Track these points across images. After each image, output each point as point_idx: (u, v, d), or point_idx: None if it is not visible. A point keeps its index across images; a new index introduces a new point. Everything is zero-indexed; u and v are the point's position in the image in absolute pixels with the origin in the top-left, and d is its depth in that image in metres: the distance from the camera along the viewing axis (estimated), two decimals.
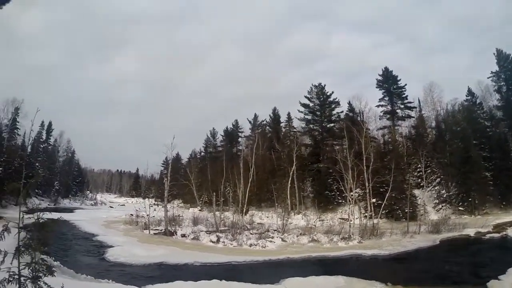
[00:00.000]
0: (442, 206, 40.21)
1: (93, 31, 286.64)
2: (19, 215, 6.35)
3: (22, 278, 5.90)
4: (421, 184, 44.96)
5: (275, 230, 31.25)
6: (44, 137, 73.56)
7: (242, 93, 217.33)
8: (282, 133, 64.22)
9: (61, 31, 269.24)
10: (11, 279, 5.79)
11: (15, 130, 59.41)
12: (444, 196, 41.39)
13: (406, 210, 33.32)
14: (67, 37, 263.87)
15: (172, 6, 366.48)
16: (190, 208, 54.96)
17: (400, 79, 58.32)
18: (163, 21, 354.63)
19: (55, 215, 8.77)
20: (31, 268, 6.04)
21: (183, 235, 28.96)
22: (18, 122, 58.74)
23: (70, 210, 49.58)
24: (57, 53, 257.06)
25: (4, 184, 38.52)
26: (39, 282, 6.00)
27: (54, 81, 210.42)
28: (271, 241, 26.33)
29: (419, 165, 45.35)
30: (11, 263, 5.86)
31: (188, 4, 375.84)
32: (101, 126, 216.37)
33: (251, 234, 29.13)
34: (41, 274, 6.10)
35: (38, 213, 6.55)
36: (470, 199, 38.05)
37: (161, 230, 31.17)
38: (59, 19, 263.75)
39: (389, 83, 58.28)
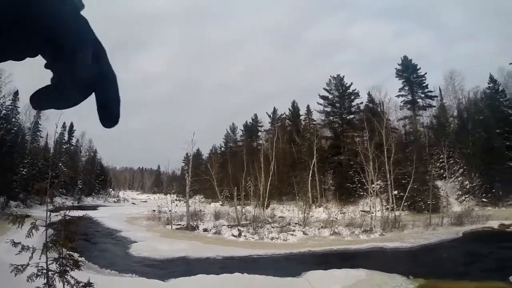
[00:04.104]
0: (465, 197, 39.29)
1: (116, 32, 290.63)
2: (46, 213, 6.60)
3: (50, 273, 6.13)
4: (444, 175, 44.14)
5: (296, 223, 31.35)
6: (66, 138, 75.03)
7: (266, 88, 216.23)
8: (302, 126, 63.47)
9: None
10: (40, 274, 6.03)
11: (38, 133, 61.07)
12: (467, 187, 40.31)
13: (429, 202, 32.73)
14: None
15: (195, 5, 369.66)
16: (212, 203, 55.18)
17: (420, 68, 57.32)
18: (187, 20, 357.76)
19: (79, 213, 9.03)
20: (58, 263, 6.27)
21: (205, 230, 29.34)
22: (40, 124, 60.47)
23: (94, 207, 50.50)
24: None
25: (29, 185, 39.59)
26: (66, 276, 6.22)
27: None
28: (292, 234, 26.45)
29: (442, 156, 44.58)
30: (39, 259, 6.11)
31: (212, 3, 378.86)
32: (125, 125, 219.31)
33: (273, 227, 29.26)
34: (68, 269, 6.33)
35: (64, 211, 6.79)
36: (493, 190, 37.00)
37: (183, 225, 31.63)
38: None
39: (408, 72, 57.16)
